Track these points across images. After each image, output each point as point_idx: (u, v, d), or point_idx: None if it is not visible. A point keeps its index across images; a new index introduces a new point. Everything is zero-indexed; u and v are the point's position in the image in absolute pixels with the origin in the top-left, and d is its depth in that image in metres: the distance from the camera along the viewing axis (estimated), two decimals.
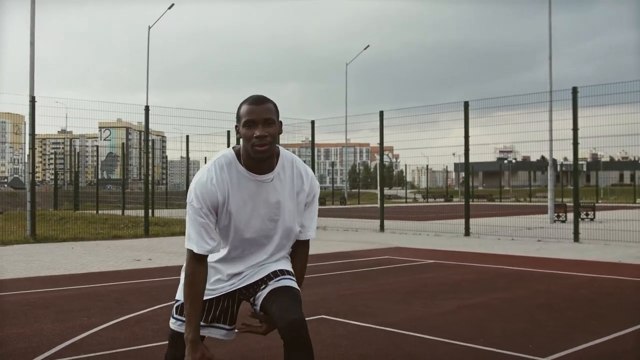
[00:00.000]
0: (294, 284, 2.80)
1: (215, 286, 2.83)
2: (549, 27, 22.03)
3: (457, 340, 5.06)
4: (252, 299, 2.84)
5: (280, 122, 2.73)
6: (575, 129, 14.41)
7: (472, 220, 16.77)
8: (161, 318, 5.87)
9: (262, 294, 2.75)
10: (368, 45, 49.45)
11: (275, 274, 2.80)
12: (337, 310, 6.32)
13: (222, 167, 2.69)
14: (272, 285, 2.76)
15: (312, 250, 10.99)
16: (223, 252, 2.80)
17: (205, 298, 2.76)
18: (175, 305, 2.90)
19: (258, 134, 2.57)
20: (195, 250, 2.65)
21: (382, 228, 18.07)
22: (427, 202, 52.90)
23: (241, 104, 2.67)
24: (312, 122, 20.64)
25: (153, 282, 8.37)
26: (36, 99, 15.20)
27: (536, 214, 25.23)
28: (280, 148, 2.77)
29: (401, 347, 4.88)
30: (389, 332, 5.38)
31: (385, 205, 19.67)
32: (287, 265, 2.89)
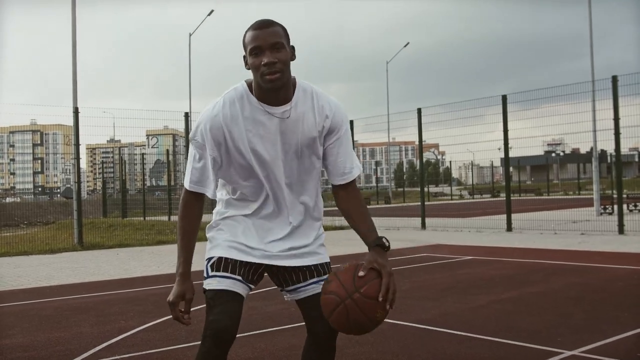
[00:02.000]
0: None
1: (257, 247, 2.51)
2: (589, 15, 21.63)
3: (484, 334, 5.08)
4: (287, 288, 2.59)
5: (293, 47, 2.43)
6: (616, 119, 14.18)
7: (515, 216, 16.61)
8: (195, 320, 5.97)
9: (303, 293, 2.55)
10: (408, 43, 49.29)
11: (318, 272, 2.57)
12: None
13: (233, 100, 2.43)
14: (310, 289, 2.55)
15: (351, 249, 11.13)
16: (253, 200, 2.53)
17: (252, 260, 2.49)
18: (209, 264, 2.52)
19: (266, 60, 2.29)
20: (188, 188, 2.49)
21: (423, 226, 18.03)
22: (473, 198, 52.37)
23: (245, 32, 2.39)
24: (351, 122, 20.71)
25: (194, 285, 8.56)
26: (80, 110, 15.66)
27: (583, 207, 24.76)
28: (297, 78, 2.48)
29: (427, 343, 4.93)
30: (418, 328, 5.43)
31: (430, 202, 19.65)
32: (325, 254, 2.63)
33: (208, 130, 2.42)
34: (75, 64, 16.17)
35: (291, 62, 2.40)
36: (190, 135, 2.49)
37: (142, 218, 27.38)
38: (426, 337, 5.12)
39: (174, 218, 24.70)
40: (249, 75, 2.44)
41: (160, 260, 11.95)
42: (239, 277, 2.47)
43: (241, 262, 2.49)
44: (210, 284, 2.47)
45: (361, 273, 2.34)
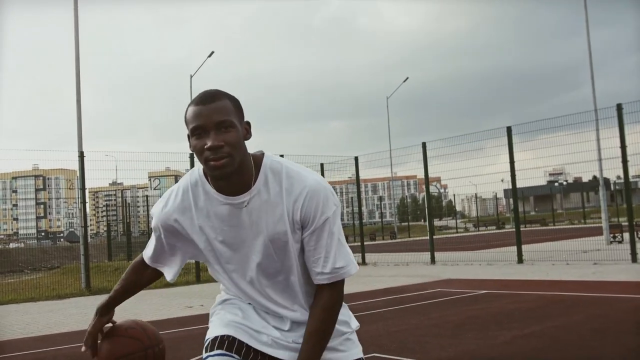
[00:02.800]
0: None
1: (264, 332, 2.13)
2: (588, 45, 21.77)
3: None
4: None
5: (247, 123, 2.03)
6: (623, 146, 14.14)
7: (524, 247, 16.47)
8: None
9: None
10: (407, 78, 49.56)
11: None
12: (388, 347, 6.24)
13: (187, 189, 2.08)
14: None
15: (362, 287, 10.99)
16: (234, 294, 2.22)
17: (256, 346, 2.08)
18: (204, 347, 2.18)
19: (210, 144, 1.88)
20: (144, 256, 2.30)
21: (432, 260, 17.87)
22: (479, 230, 52.18)
23: (187, 106, 1.98)
24: (356, 159, 20.69)
25: (205, 329, 8.41)
26: (85, 154, 15.65)
27: (591, 236, 24.56)
28: (266, 155, 2.06)
29: None
30: None
31: (436, 236, 19.50)
32: (350, 351, 2.21)
33: (159, 225, 2.14)
34: (79, 109, 16.23)
35: (246, 141, 2.01)
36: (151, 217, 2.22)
37: None
38: None
39: None
40: None
41: (169, 303, 11.80)
42: (236, 356, 2.07)
43: (241, 341, 2.10)
44: None
45: None
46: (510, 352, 5.72)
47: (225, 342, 2.08)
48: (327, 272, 2.02)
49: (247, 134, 2.01)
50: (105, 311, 2.32)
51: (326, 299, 2.04)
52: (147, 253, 2.28)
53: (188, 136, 1.97)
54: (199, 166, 2.07)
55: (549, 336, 6.37)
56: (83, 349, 2.29)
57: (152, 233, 2.28)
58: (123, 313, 9.16)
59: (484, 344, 6.19)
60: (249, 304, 2.20)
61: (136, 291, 2.41)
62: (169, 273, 2.27)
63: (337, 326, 2.11)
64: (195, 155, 1.97)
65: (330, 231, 2.01)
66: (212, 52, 35.70)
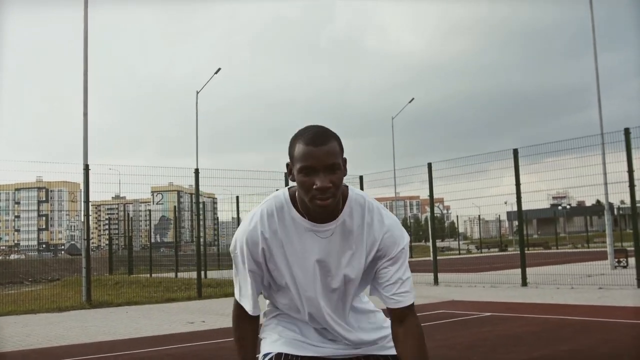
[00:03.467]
0: None
1: (319, 345, 2.30)
2: (595, 68, 21.77)
3: None
4: None
5: (345, 160, 2.12)
6: (630, 171, 14.05)
7: (528, 270, 16.33)
8: None
9: None
10: (413, 99, 49.61)
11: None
12: None
13: (272, 213, 2.16)
14: None
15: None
16: (296, 315, 2.31)
17: (315, 355, 2.27)
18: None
19: (319, 185, 1.98)
20: (238, 300, 2.27)
21: (436, 281, 17.73)
22: (481, 252, 51.99)
23: (295, 140, 2.07)
24: (361, 178, 20.64)
25: (207, 345, 8.31)
26: (90, 167, 15.62)
27: (595, 260, 24.41)
28: (350, 188, 2.20)
29: None
30: None
31: (439, 257, 19.39)
32: (390, 348, 2.30)
33: (245, 244, 2.17)
34: (86, 122, 16.22)
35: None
36: (231, 248, 2.26)
37: (148, 275, 27.10)
38: None
39: (181, 275, 24.45)
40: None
41: (170, 318, 11.69)
42: None
43: (300, 357, 2.25)
44: None
45: None
46: None
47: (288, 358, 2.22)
48: (399, 295, 2.16)
49: (345, 171, 2.11)
50: None
51: (414, 325, 2.16)
52: (247, 302, 2.23)
53: (287, 165, 2.11)
54: (283, 191, 2.19)
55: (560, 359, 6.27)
56: None
57: (237, 271, 2.24)
58: (125, 329, 9.11)
59: None
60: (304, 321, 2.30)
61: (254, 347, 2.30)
62: (249, 306, 2.25)
63: (383, 325, 2.37)
64: (299, 188, 2.07)
65: (404, 260, 2.19)
66: (219, 69, 35.80)
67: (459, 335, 8.29)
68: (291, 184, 2.18)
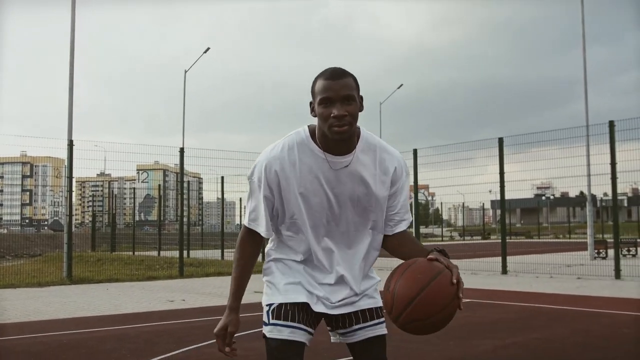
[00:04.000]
0: (383, 330, 2.50)
1: (313, 292, 2.43)
2: (583, 60, 21.85)
3: None
4: (339, 331, 2.51)
5: (361, 98, 2.38)
6: (613, 164, 14.16)
7: (509, 258, 16.47)
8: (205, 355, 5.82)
9: (355, 337, 2.46)
10: (402, 85, 49.56)
11: (372, 316, 2.49)
12: None
13: (292, 146, 2.37)
14: (368, 332, 2.47)
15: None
16: (301, 251, 2.45)
17: (299, 301, 2.40)
18: (269, 311, 2.43)
19: (336, 113, 2.23)
20: (247, 225, 2.44)
21: None
22: (464, 240, 52.28)
23: (316, 79, 2.33)
24: None
25: (185, 324, 8.32)
26: (74, 143, 15.51)
27: (576, 251, 24.65)
28: (362, 129, 2.43)
29: None
30: None
31: (422, 243, 19.45)
32: (378, 299, 2.52)
33: (263, 170, 2.37)
34: (71, 97, 16.09)
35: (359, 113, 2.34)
36: (248, 174, 2.43)
37: (130, 252, 27.05)
38: None
39: (164, 254, 24.44)
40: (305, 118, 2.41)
41: (150, 296, 11.69)
42: (300, 325, 2.38)
43: (300, 306, 2.40)
44: (271, 332, 2.38)
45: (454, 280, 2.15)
46: None
47: (289, 312, 2.38)
48: (399, 220, 2.48)
49: (361, 107, 2.36)
50: (236, 309, 2.43)
51: (407, 235, 2.52)
52: (250, 217, 2.42)
53: (310, 103, 2.35)
54: (304, 128, 2.41)
55: (531, 348, 6.34)
56: (227, 349, 2.42)
57: (249, 191, 2.43)
58: (104, 305, 9.13)
59: (465, 352, 6.15)
60: (296, 262, 2.46)
61: (250, 273, 2.48)
62: (262, 228, 2.42)
63: (370, 275, 2.55)
64: (318, 120, 2.31)
65: (405, 189, 2.49)
66: (208, 49, 35.59)
67: None
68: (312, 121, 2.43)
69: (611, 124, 14.36)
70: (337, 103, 2.25)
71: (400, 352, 6.13)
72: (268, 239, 2.54)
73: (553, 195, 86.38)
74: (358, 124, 2.36)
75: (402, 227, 2.51)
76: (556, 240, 46.61)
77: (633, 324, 7.86)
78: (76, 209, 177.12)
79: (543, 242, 40.61)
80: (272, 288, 2.47)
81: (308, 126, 2.43)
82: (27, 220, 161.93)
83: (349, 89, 2.27)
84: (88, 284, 14.51)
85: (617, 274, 13.89)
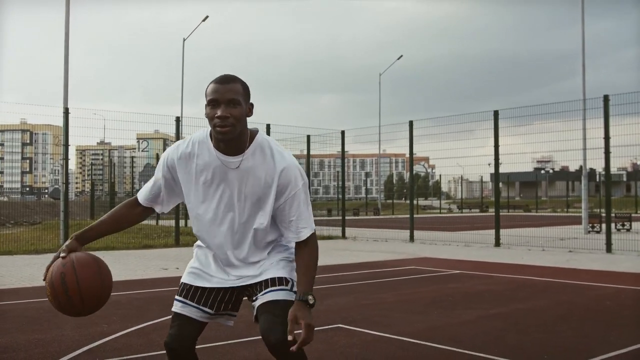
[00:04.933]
0: (283, 295, 2.63)
1: (218, 275, 2.76)
2: (582, 33, 21.74)
3: (471, 350, 5.02)
4: (251, 302, 2.75)
5: (251, 105, 2.63)
6: (606, 138, 14.22)
7: (503, 231, 16.60)
8: None
9: (255, 305, 2.68)
10: (401, 55, 49.35)
11: (266, 284, 2.67)
12: (355, 319, 6.32)
13: (195, 141, 2.67)
14: (260, 299, 2.65)
15: (338, 260, 11.07)
16: (201, 234, 2.77)
17: (209, 286, 2.75)
18: (178, 287, 2.85)
19: (219, 114, 2.48)
20: (137, 196, 2.83)
21: (411, 238, 17.99)
22: (462, 212, 52.47)
23: (209, 84, 2.58)
24: (342, 133, 20.69)
25: (176, 291, 8.46)
26: (70, 111, 15.54)
27: (571, 225, 24.83)
28: (259, 133, 2.66)
29: (413, 357, 4.87)
30: (403, 341, 5.37)
31: (419, 215, 19.61)
32: (280, 270, 2.70)
33: (166, 160, 2.72)
34: (67, 64, 16.08)
35: (248, 117, 2.60)
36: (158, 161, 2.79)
37: None
38: (410, 351, 5.06)
39: (162, 222, 24.57)
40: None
41: (145, 264, 11.84)
42: (194, 303, 2.76)
43: (199, 288, 2.78)
44: (173, 306, 2.81)
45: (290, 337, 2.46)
46: (472, 331, 5.81)
47: (185, 291, 2.79)
48: (299, 231, 2.65)
49: (250, 113, 2.60)
50: (80, 236, 2.75)
51: (308, 248, 2.66)
52: (143, 193, 2.81)
53: (205, 106, 2.56)
54: (206, 129, 2.67)
55: (513, 318, 6.47)
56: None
57: (155, 175, 2.78)
58: None
59: (448, 321, 6.28)
60: (208, 249, 2.80)
61: (122, 227, 2.84)
62: (161, 210, 2.83)
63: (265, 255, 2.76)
64: (208, 121, 2.56)
65: (300, 198, 2.63)
66: (207, 17, 35.38)
67: (424, 291, 8.50)
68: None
69: (606, 98, 14.38)
70: (222, 105, 2.50)
71: (385, 321, 6.26)
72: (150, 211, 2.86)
73: (553, 169, 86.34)
74: (250, 128, 2.65)
75: (299, 238, 2.66)
76: (553, 214, 46.79)
77: (616, 297, 7.98)
78: (76, 177, 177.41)
79: (540, 216, 40.79)
80: (186, 269, 2.88)
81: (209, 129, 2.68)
82: (27, 188, 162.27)
83: (234, 94, 2.52)
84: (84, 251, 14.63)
85: (609, 248, 14.03)
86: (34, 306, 7.24)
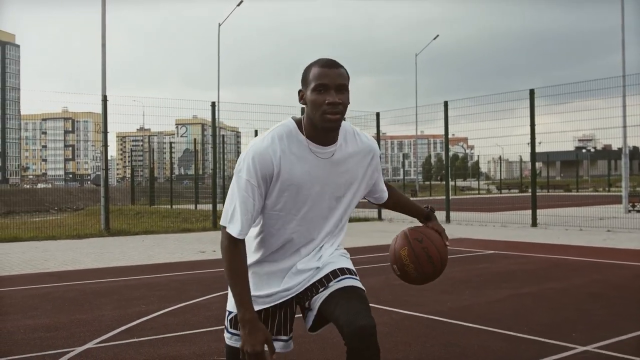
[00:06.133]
0: (359, 284, 2.48)
1: (269, 291, 2.48)
2: (621, 9, 21.30)
3: (500, 328, 5.08)
4: (307, 303, 2.50)
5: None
6: None
7: (541, 211, 16.48)
8: (214, 306, 6.13)
9: (322, 296, 2.43)
10: (437, 35, 48.88)
11: (336, 274, 2.47)
12: (385, 299, 6.41)
13: (282, 136, 2.38)
14: (334, 286, 2.42)
15: (373, 241, 11.12)
16: (273, 241, 2.48)
17: (259, 308, 2.46)
18: (228, 318, 2.54)
19: (331, 100, 2.28)
20: (234, 234, 2.33)
21: (447, 219, 17.96)
22: (501, 193, 51.97)
23: (310, 66, 2.38)
24: (377, 115, 20.69)
25: (213, 273, 8.64)
26: (109, 98, 15.86)
27: (612, 204, 24.45)
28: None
29: (441, 335, 4.95)
30: (433, 320, 5.45)
31: (457, 197, 19.51)
32: (346, 263, 2.55)
33: (259, 164, 2.33)
34: (104, 53, 16.38)
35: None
36: (236, 169, 2.39)
37: (169, 206, 27.67)
38: (440, 329, 5.14)
39: (201, 206, 24.94)
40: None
41: (183, 247, 12.10)
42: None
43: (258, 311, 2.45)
44: (229, 340, 2.52)
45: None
46: (503, 310, 5.86)
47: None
48: (383, 190, 2.78)
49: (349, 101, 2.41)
50: (255, 314, 2.34)
51: (392, 190, 2.89)
52: (240, 228, 2.34)
53: (300, 92, 2.41)
54: (290, 120, 2.44)
55: (544, 297, 6.49)
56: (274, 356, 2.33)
57: (235, 194, 2.35)
58: (138, 255, 9.51)
59: (478, 301, 6.33)
60: (257, 264, 2.52)
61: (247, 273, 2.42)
62: (247, 231, 2.40)
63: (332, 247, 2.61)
64: (310, 107, 2.34)
65: (380, 167, 2.71)
66: (241, 1, 35.52)
67: (456, 271, 8.52)
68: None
69: None
70: (332, 90, 2.30)
71: (415, 300, 6.34)
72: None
73: (594, 147, 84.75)
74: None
75: (384, 197, 2.82)
76: (595, 193, 46.03)
77: None
78: (117, 164, 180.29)
79: (580, 195, 40.19)
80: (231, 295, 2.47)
81: (293, 118, 2.46)
82: (70, 175, 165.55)
83: (344, 79, 2.35)
84: (125, 235, 15.02)
85: None
86: (75, 288, 7.50)
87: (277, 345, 2.47)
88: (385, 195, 2.81)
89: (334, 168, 2.44)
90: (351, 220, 19.23)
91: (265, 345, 2.30)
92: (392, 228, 16.33)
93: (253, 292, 2.40)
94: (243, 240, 2.37)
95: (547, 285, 7.24)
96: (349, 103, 2.36)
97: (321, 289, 2.43)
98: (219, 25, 36.48)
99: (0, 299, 6.94)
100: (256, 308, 2.40)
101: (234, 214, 2.34)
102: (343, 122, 2.44)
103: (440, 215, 18.84)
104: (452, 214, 18.38)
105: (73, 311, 6.06)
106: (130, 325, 5.39)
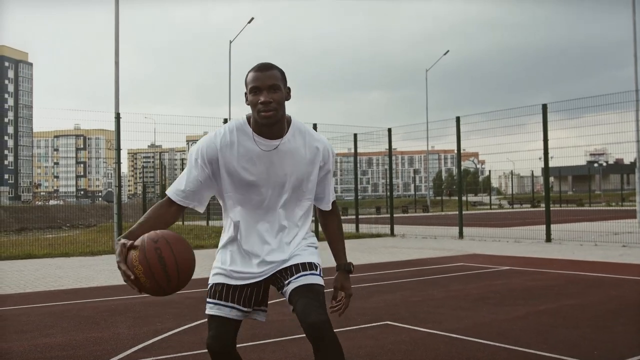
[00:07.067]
0: (316, 279, 2.74)
1: (243, 269, 2.78)
2: (633, 23, 21.26)
3: (519, 346, 5.02)
4: (280, 290, 2.81)
5: (289, 89, 2.78)
6: None
7: (555, 226, 16.35)
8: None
9: (287, 290, 2.74)
10: (448, 51, 48.98)
11: (297, 269, 2.76)
12: (403, 316, 6.36)
13: (232, 129, 2.73)
14: (294, 282, 2.72)
15: (387, 258, 11.09)
16: (235, 223, 2.78)
17: (239, 283, 2.77)
18: (208, 290, 2.86)
19: (263, 99, 2.61)
20: (167, 192, 2.74)
21: (460, 235, 17.88)
22: (513, 208, 51.74)
23: (248, 72, 2.71)
24: (389, 130, 20.68)
25: None
26: (122, 115, 15.94)
27: (626, 219, 24.26)
28: (293, 118, 2.82)
29: (460, 353, 4.90)
30: (452, 337, 5.40)
31: (469, 212, 19.44)
32: (310, 256, 2.83)
33: (205, 147, 2.72)
34: (117, 70, 16.47)
35: (286, 101, 2.73)
36: (189, 152, 2.77)
37: (180, 222, 27.70)
38: (458, 347, 5.08)
39: (212, 223, 24.95)
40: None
41: (197, 264, 12.04)
42: (228, 303, 2.79)
43: (230, 286, 2.80)
44: (210, 310, 2.82)
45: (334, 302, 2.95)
46: (521, 327, 5.79)
47: (217, 292, 2.81)
48: (329, 201, 2.98)
49: (288, 96, 2.76)
50: (131, 241, 2.60)
51: (334, 217, 3.03)
52: (177, 191, 2.74)
53: (245, 94, 2.71)
54: (242, 116, 2.81)
55: (562, 313, 6.42)
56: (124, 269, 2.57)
57: (187, 167, 2.77)
58: None
59: (497, 318, 6.27)
60: (232, 242, 2.82)
61: (159, 228, 2.66)
62: (198, 208, 2.78)
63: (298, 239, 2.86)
64: (250, 107, 2.69)
65: (331, 174, 2.94)
66: (252, 18, 35.77)
67: (472, 287, 8.47)
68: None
69: None
70: (264, 91, 2.64)
71: (433, 318, 6.29)
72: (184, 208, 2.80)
73: (606, 162, 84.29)
74: (299, 117, 2.81)
75: (331, 205, 2.99)
76: (608, 208, 45.72)
77: None
78: (129, 180, 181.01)
79: (593, 210, 39.93)
80: (212, 270, 2.90)
81: (246, 115, 2.80)
82: (82, 192, 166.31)
83: (275, 79, 2.66)
84: None
85: None
86: (90, 305, 7.50)
87: (260, 315, 2.89)
88: (326, 207, 2.98)
89: (278, 159, 2.73)
90: (363, 236, 19.20)
91: (257, 315, 2.86)
92: (405, 244, 16.27)
93: (230, 267, 2.79)
94: (174, 203, 2.72)
95: (564, 301, 7.17)
96: (287, 99, 2.72)
97: (285, 282, 2.75)
98: (230, 42, 36.71)
99: (16, 316, 6.94)
100: (233, 283, 2.77)
101: (176, 180, 2.77)
102: (296, 121, 2.81)
103: (453, 230, 18.82)
104: (464, 229, 18.28)
105: (89, 329, 6.05)
106: (147, 343, 5.37)
